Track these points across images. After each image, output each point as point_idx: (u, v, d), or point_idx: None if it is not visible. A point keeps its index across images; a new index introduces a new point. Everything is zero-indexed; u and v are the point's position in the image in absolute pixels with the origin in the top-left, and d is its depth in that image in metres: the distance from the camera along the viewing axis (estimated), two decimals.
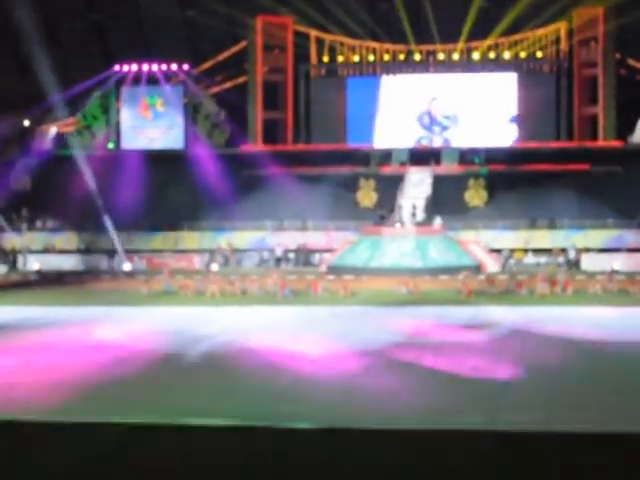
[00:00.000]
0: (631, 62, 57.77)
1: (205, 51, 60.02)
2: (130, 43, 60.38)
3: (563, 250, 49.13)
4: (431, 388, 17.87)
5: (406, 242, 46.12)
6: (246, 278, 38.50)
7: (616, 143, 56.40)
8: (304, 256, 50.82)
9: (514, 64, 59.42)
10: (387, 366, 20.29)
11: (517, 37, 58.63)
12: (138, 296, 35.88)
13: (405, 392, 17.55)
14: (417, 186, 54.14)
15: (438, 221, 49.65)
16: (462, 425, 14.54)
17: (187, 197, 53.31)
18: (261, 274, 40.28)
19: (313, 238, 51.47)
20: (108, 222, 49.87)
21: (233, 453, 11.70)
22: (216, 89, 60.21)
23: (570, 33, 58.48)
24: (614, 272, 39.86)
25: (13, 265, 51.49)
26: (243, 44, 60.34)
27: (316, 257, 50.65)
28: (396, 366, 20.28)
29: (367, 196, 54.77)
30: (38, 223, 54.94)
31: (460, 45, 58.55)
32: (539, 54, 59.10)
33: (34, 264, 49.69)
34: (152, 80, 59.73)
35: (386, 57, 60.24)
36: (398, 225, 48.76)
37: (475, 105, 59.16)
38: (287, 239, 51.56)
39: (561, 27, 58.65)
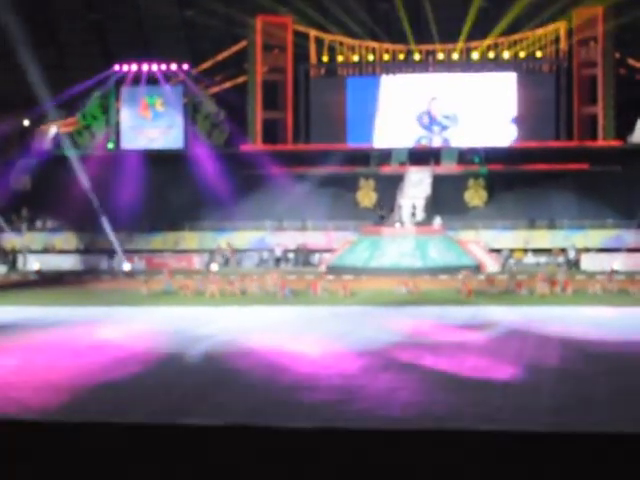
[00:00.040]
0: (630, 62, 57.76)
1: (205, 51, 60.01)
2: (130, 43, 60.38)
3: (563, 250, 49.14)
4: (431, 388, 17.88)
5: (406, 242, 46.13)
6: (246, 278, 38.49)
7: (616, 143, 56.39)
8: (304, 256, 50.83)
9: (514, 64, 59.42)
10: (387, 366, 20.30)
11: (517, 37, 58.63)
12: (138, 296, 35.88)
13: (405, 392, 17.56)
14: (417, 186, 54.15)
15: (438, 221, 49.65)
16: (462, 425, 14.56)
17: (187, 197, 53.30)
18: (261, 274, 40.27)
19: (313, 238, 51.47)
20: (106, 223, 49.87)
21: (233, 453, 11.71)
22: (216, 89, 60.20)
23: (570, 33, 58.47)
24: (614, 272, 39.87)
25: (13, 265, 51.49)
26: (243, 44, 60.33)
27: (316, 257, 50.65)
28: (396, 366, 20.29)
29: (367, 196, 54.76)
30: (38, 223, 54.93)
31: (460, 45, 58.55)
32: (539, 54, 59.10)
33: (34, 264, 49.69)
34: (152, 80, 59.72)
35: (386, 57, 60.23)
36: (398, 225, 48.76)
37: (475, 105, 59.15)
38: (287, 239, 51.56)
39: (561, 27, 58.65)
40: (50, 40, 62.28)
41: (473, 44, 58.80)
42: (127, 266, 48.42)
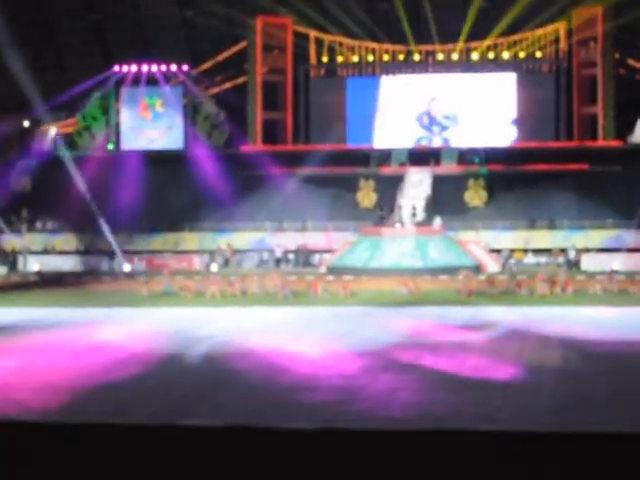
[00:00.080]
0: (630, 62, 57.76)
1: (204, 51, 60.02)
2: (130, 44, 60.38)
3: (563, 250, 49.15)
4: (431, 388, 17.88)
5: (406, 242, 46.14)
6: (246, 279, 38.49)
7: (615, 143, 56.40)
8: (304, 257, 50.83)
9: (513, 64, 59.43)
10: (387, 366, 20.30)
11: (516, 37, 58.63)
12: (138, 297, 35.88)
13: (405, 392, 17.56)
14: (417, 186, 54.16)
15: (438, 221, 49.65)
16: (462, 426, 14.56)
17: (187, 198, 53.29)
18: (261, 275, 40.28)
19: (313, 239, 51.48)
20: (104, 224, 49.88)
21: (233, 454, 11.72)
22: (216, 90, 60.21)
23: (569, 33, 58.49)
24: (614, 272, 39.87)
25: (13, 266, 51.49)
26: (243, 44, 60.33)
27: (316, 258, 50.65)
28: (396, 366, 20.29)
29: (367, 196, 54.77)
30: (38, 224, 54.94)
31: (459, 45, 58.56)
32: (538, 54, 59.10)
33: (34, 265, 49.71)
34: (152, 81, 59.73)
35: (385, 57, 60.25)
36: (398, 225, 48.77)
37: (474, 105, 59.15)
38: (287, 240, 51.57)
39: (560, 27, 58.65)
40: (50, 41, 62.32)
41: (473, 44, 58.81)
42: (127, 267, 48.43)
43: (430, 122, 59.91)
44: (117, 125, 60.73)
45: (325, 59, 60.87)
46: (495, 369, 19.82)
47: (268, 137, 60.08)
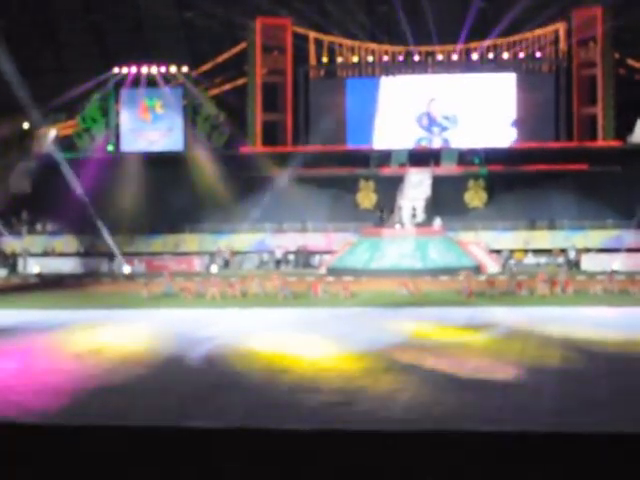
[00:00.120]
0: (630, 62, 57.73)
1: (204, 53, 59.99)
2: (129, 45, 60.34)
3: (563, 250, 49.15)
4: (432, 389, 17.87)
5: (406, 243, 46.14)
6: (246, 280, 38.50)
7: (615, 143, 56.38)
8: (304, 258, 50.82)
9: (513, 64, 59.41)
10: (387, 368, 20.29)
11: (516, 37, 58.62)
12: (138, 299, 35.85)
13: (406, 394, 17.55)
14: (417, 187, 54.13)
15: (438, 222, 49.63)
16: (463, 426, 14.55)
17: (187, 199, 53.27)
18: (261, 276, 40.27)
19: (313, 240, 51.47)
20: (103, 226, 49.88)
21: (234, 455, 11.70)
22: (215, 91, 60.20)
23: (569, 33, 58.48)
24: (614, 272, 39.86)
25: (13, 268, 51.46)
26: (242, 46, 60.31)
27: (316, 259, 50.64)
28: (397, 367, 20.28)
29: (367, 197, 54.75)
30: (38, 226, 54.91)
31: (459, 46, 58.53)
32: (538, 54, 59.09)
33: (34, 267, 49.69)
34: (151, 82, 59.72)
35: (385, 58, 60.25)
36: (398, 226, 48.75)
37: (474, 105, 59.13)
38: (287, 241, 51.56)
39: (560, 27, 58.65)
40: (49, 42, 62.32)
41: (472, 45, 58.80)
42: (127, 269, 48.42)
43: (430, 123, 59.90)
44: (117, 127, 60.72)
45: (325, 60, 60.87)
46: (496, 370, 19.81)
47: (268, 138, 60.07)
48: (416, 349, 22.74)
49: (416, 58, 59.61)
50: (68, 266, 50.76)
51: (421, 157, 57.19)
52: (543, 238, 50.49)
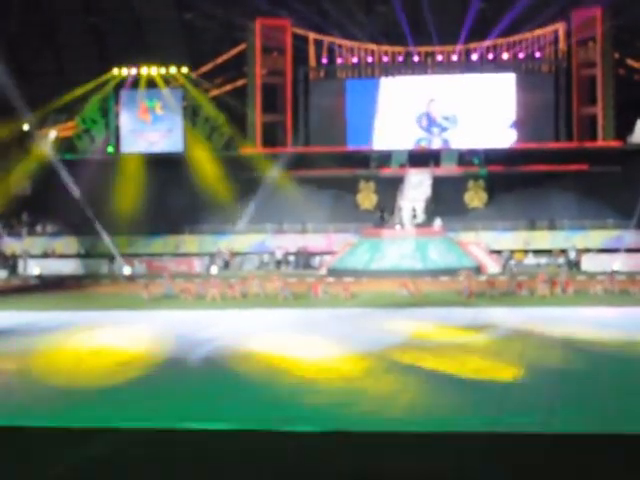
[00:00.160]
0: (630, 62, 57.73)
1: (204, 54, 59.99)
2: (129, 46, 60.33)
3: (563, 251, 49.15)
4: (432, 390, 17.86)
5: (406, 244, 46.14)
6: (246, 281, 38.50)
7: (615, 143, 56.37)
8: (304, 259, 50.83)
9: (513, 65, 59.40)
10: (388, 368, 20.28)
11: (515, 38, 58.62)
12: (138, 300, 35.84)
13: (406, 394, 17.54)
14: (417, 188, 54.14)
15: (438, 222, 49.63)
16: (463, 428, 14.54)
17: (187, 200, 53.28)
18: (261, 277, 40.27)
19: (313, 241, 51.48)
20: (101, 228, 49.90)
21: (235, 456, 11.70)
22: (215, 92, 60.21)
23: (568, 33, 58.48)
24: (614, 272, 39.85)
25: (13, 270, 51.48)
26: (242, 47, 60.31)
27: (316, 260, 50.66)
28: (397, 368, 20.27)
29: (367, 198, 54.76)
30: (38, 228, 54.92)
31: (459, 46, 58.53)
32: (537, 54, 59.09)
33: (34, 269, 49.68)
34: (151, 83, 59.74)
35: (385, 59, 60.25)
36: (398, 227, 48.75)
37: (474, 106, 59.12)
38: (287, 242, 51.58)
39: (559, 27, 58.65)
40: (49, 43, 62.31)
41: (472, 45, 58.81)
42: (127, 270, 48.42)
43: (429, 123, 59.89)
44: (117, 128, 60.75)
45: (324, 61, 60.87)
46: (496, 370, 19.81)
47: (268, 139, 60.07)
48: (416, 350, 22.72)
49: (416, 59, 59.62)
50: (68, 267, 50.77)
51: (421, 158, 57.20)
52: (543, 238, 50.49)
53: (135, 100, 60.19)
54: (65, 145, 59.74)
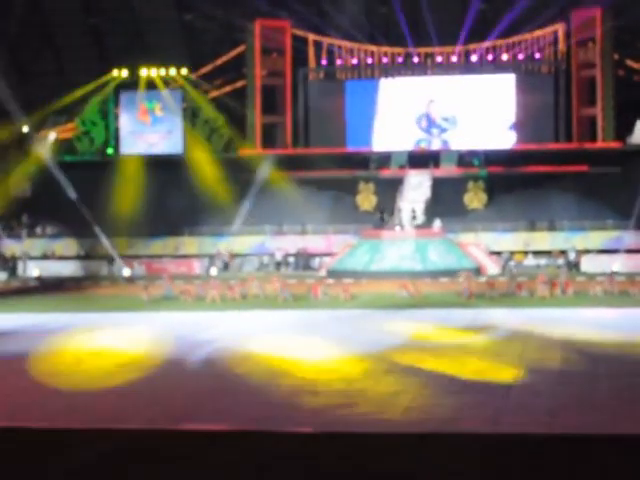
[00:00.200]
0: (629, 63, 57.76)
1: (203, 55, 60.04)
2: (128, 47, 60.39)
3: (563, 252, 49.17)
4: (432, 391, 17.85)
5: (406, 245, 46.15)
6: (246, 282, 38.50)
7: (615, 144, 56.41)
8: (304, 260, 50.84)
9: (512, 65, 59.44)
10: (388, 369, 20.27)
11: (515, 39, 58.64)
12: (138, 302, 35.84)
13: (406, 395, 17.53)
14: (416, 189, 54.16)
15: (438, 224, 49.65)
16: (464, 429, 14.53)
17: (186, 202, 53.30)
18: (261, 278, 40.27)
19: (313, 242, 51.51)
20: (100, 229, 49.91)
21: (234, 458, 11.69)
22: (215, 93, 60.22)
23: (568, 34, 58.50)
24: (614, 273, 39.85)
25: (13, 272, 51.50)
26: (241, 48, 60.34)
27: (316, 261, 50.68)
28: (397, 369, 20.26)
29: (366, 199, 54.79)
30: (38, 229, 54.94)
31: (458, 47, 58.55)
32: (537, 55, 59.10)
33: (34, 270, 49.69)
34: (151, 85, 59.75)
35: (384, 60, 60.27)
36: (398, 228, 48.75)
37: (473, 107, 59.16)
38: (287, 243, 51.60)
39: (559, 28, 58.67)
40: (48, 45, 62.33)
41: (471, 46, 58.83)
42: (127, 272, 48.41)
43: (429, 124, 59.92)
44: (116, 129, 60.77)
45: (324, 62, 60.88)
46: (496, 371, 19.80)
47: (267, 141, 60.07)
48: (416, 351, 22.72)
49: (415, 60, 59.66)
50: (68, 269, 50.80)
51: (420, 159, 57.24)
52: (543, 239, 50.51)
53: (135, 101, 60.23)
54: (65, 147, 59.74)
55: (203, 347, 23.79)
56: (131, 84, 59.89)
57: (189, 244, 52.87)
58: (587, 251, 48.69)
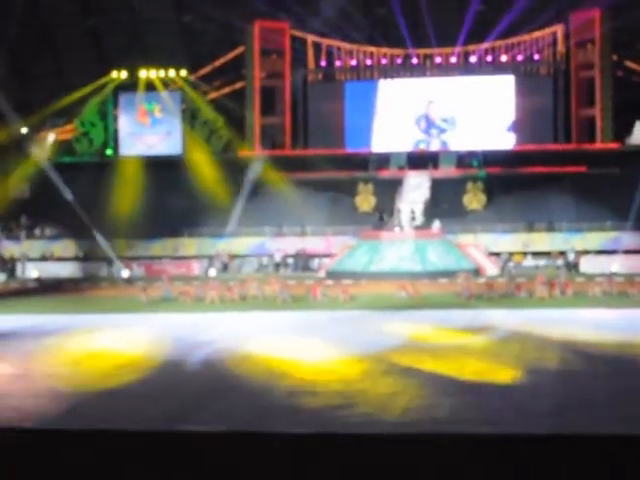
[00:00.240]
0: (628, 64, 57.80)
1: (202, 56, 60.06)
2: (127, 49, 60.43)
3: (562, 253, 49.18)
4: (431, 392, 17.84)
5: (405, 246, 46.15)
6: (245, 284, 38.49)
7: (614, 145, 56.43)
8: (303, 261, 50.84)
9: (511, 67, 59.47)
10: (387, 370, 20.26)
11: (514, 40, 58.66)
12: (137, 303, 35.82)
13: (405, 396, 17.52)
14: (415, 190, 54.17)
15: (437, 225, 49.66)
16: (462, 429, 14.52)
17: (185, 203, 53.31)
18: (260, 279, 40.27)
19: (312, 243, 51.51)
20: (99, 231, 49.92)
21: (234, 459, 11.67)
22: (214, 95, 60.22)
23: (567, 35, 58.53)
24: (613, 274, 39.86)
25: (12, 273, 51.49)
26: (240, 49, 60.36)
27: (315, 262, 50.68)
28: (396, 370, 20.25)
29: (366, 200, 54.78)
30: (37, 231, 54.92)
31: (457, 48, 58.57)
32: (536, 57, 59.13)
33: (33, 272, 49.70)
34: (150, 86, 59.75)
35: (383, 61, 60.28)
36: (397, 229, 48.75)
37: (472, 108, 59.19)
38: (286, 244, 51.60)
39: (558, 29, 58.70)
40: (47, 46, 62.34)
41: (471, 47, 58.85)
42: (126, 273, 48.40)
43: (428, 125, 59.94)
44: (115, 131, 60.77)
45: (323, 63, 60.89)
46: (495, 372, 19.79)
47: (266, 142, 60.06)
48: (415, 352, 22.71)
49: (414, 61, 59.69)
50: (67, 270, 50.79)
51: (420, 160, 57.26)
52: (542, 240, 50.52)
53: (134, 103, 60.24)
54: (64, 148, 59.73)
55: (202, 348, 23.78)
56: (130, 85, 59.90)
57: (188, 245, 52.87)
58: (586, 252, 48.71)
